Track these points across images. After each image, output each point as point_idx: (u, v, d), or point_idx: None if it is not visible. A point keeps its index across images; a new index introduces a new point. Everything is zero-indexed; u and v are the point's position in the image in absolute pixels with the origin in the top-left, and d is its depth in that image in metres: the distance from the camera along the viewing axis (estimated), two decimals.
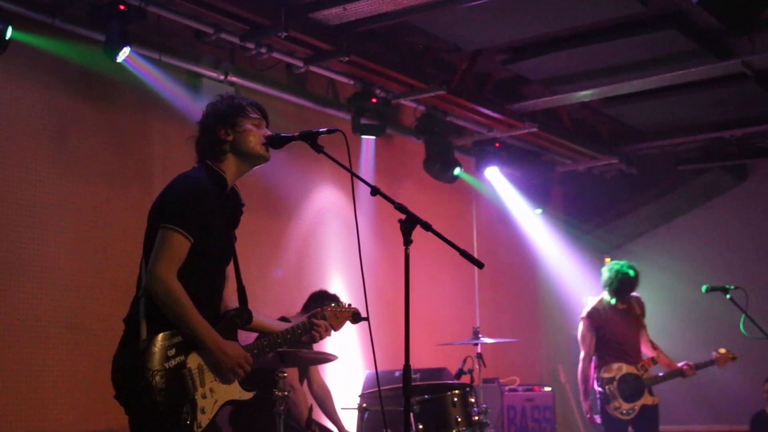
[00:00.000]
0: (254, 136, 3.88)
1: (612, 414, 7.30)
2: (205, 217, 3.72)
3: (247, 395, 3.85)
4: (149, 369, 3.50)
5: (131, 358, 3.57)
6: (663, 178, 11.16)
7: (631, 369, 7.38)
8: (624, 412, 7.28)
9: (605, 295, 7.56)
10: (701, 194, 11.21)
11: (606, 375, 7.34)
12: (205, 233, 3.71)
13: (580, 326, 7.56)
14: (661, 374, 7.51)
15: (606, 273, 7.51)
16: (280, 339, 4.02)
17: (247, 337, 4.07)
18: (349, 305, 4.32)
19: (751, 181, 11.07)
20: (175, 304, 3.59)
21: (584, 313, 7.57)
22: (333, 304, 4.30)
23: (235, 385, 3.81)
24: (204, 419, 3.62)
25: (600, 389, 7.35)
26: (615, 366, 7.36)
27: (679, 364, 7.56)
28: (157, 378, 3.50)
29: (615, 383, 7.31)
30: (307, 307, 6.51)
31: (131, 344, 3.62)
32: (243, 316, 3.91)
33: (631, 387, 7.32)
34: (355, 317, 4.30)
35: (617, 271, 7.47)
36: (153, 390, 3.48)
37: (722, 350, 7.57)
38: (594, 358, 7.50)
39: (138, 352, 3.55)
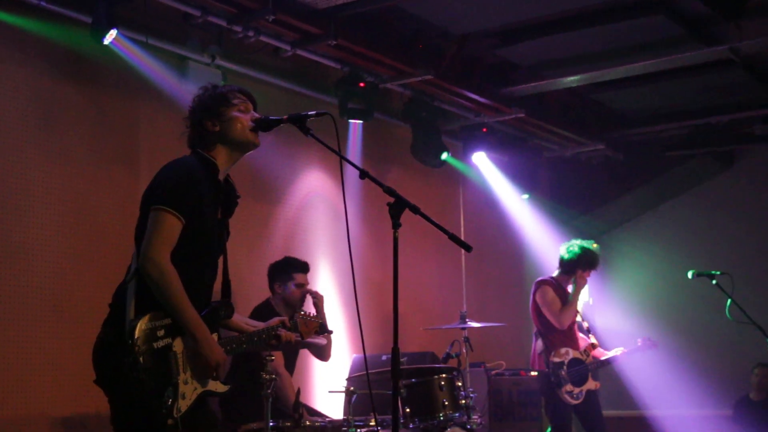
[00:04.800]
0: (241, 123, 3.88)
1: (562, 398, 7.30)
2: (197, 200, 3.71)
3: (223, 388, 3.83)
4: (138, 346, 3.45)
5: (117, 336, 3.54)
6: (649, 164, 11.18)
7: (576, 354, 7.42)
8: (575, 395, 7.31)
9: (559, 273, 7.58)
10: (687, 180, 11.24)
11: (556, 359, 7.34)
12: (197, 217, 3.70)
13: (548, 291, 7.45)
14: (602, 360, 7.56)
15: (574, 250, 7.52)
16: (255, 337, 4.09)
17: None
18: (315, 316, 4.39)
19: (737, 167, 11.12)
20: (168, 288, 3.56)
21: (546, 278, 7.57)
22: (303, 312, 4.36)
23: None
24: (183, 405, 3.59)
25: (551, 373, 7.34)
26: (563, 350, 7.38)
27: (611, 352, 7.63)
28: (145, 356, 3.47)
29: (565, 367, 7.33)
30: (270, 285, 6.59)
31: (117, 325, 3.59)
32: (226, 309, 3.90)
33: (578, 371, 7.36)
34: (321, 328, 4.35)
35: (586, 248, 7.52)
36: (140, 368, 3.44)
37: (639, 341, 7.73)
38: (539, 339, 7.49)
39: (125, 330, 3.51)
